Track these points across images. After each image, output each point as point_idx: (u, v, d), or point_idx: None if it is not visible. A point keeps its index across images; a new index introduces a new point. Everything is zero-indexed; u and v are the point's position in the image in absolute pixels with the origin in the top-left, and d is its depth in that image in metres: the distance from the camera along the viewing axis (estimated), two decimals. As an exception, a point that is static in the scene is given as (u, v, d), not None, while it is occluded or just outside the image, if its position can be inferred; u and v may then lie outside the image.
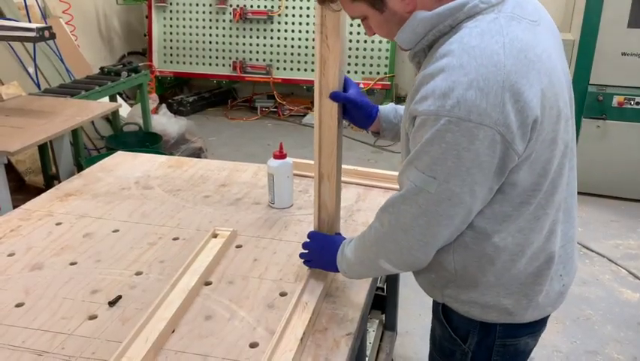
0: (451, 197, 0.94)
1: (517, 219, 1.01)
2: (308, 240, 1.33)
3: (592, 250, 3.11)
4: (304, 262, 1.33)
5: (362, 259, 1.15)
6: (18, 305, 1.24)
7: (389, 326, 2.19)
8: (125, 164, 2.04)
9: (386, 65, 4.95)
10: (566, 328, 2.50)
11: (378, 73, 4.97)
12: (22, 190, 3.47)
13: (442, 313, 1.18)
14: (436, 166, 0.92)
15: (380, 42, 4.91)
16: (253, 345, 1.12)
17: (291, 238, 1.53)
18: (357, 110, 1.28)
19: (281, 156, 1.67)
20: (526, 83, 0.90)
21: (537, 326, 1.16)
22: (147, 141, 3.81)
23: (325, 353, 1.11)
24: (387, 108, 1.36)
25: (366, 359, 1.58)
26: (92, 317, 1.20)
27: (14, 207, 1.89)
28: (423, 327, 2.45)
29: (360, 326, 1.22)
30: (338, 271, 1.23)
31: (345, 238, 1.27)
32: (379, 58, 4.95)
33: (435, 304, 1.22)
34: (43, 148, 3.28)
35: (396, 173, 1.20)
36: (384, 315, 2.19)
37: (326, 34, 1.14)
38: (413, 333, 2.45)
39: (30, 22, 3.77)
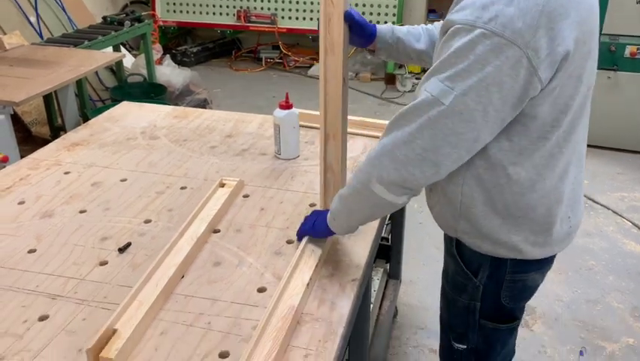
0: (463, 111, 0.94)
1: (533, 154, 1.03)
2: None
3: (597, 203, 3.12)
4: (298, 235, 1.30)
5: (350, 194, 1.12)
6: (30, 251, 1.26)
7: (393, 274, 2.23)
8: (131, 114, 2.04)
9: (394, 14, 4.84)
10: (568, 278, 2.54)
11: (386, 21, 4.87)
12: (29, 141, 3.48)
13: (456, 248, 1.22)
14: (457, 77, 0.92)
15: (388, -10, 4.79)
16: (261, 290, 1.14)
17: (297, 188, 1.54)
18: (356, 29, 1.25)
19: (287, 106, 1.66)
20: (564, 12, 0.91)
21: (545, 264, 1.21)
22: (152, 92, 3.79)
23: (331, 297, 1.13)
24: (384, 28, 1.35)
25: (371, 305, 1.61)
26: (103, 263, 1.23)
27: (22, 157, 1.90)
28: (426, 277, 2.49)
29: (365, 273, 1.24)
30: (331, 234, 1.23)
31: None
32: (387, 6, 4.84)
33: (448, 240, 1.26)
34: (48, 99, 3.27)
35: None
36: (388, 264, 2.22)
37: None
38: (417, 282, 2.50)
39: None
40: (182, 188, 1.54)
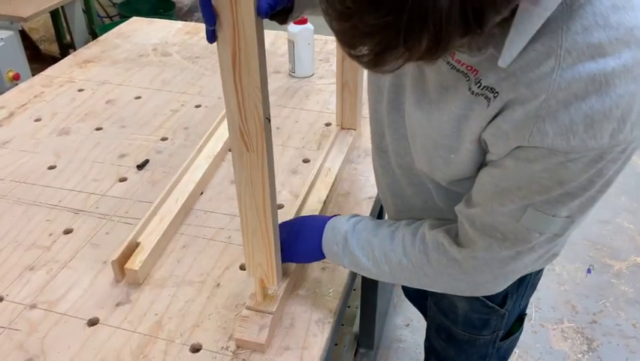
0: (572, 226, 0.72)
1: None
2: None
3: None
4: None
5: (398, 267, 0.84)
6: (50, 168, 1.28)
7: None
8: (141, 30, 1.99)
9: None
10: (579, 199, 2.55)
11: None
12: (38, 59, 3.44)
13: None
14: (583, 207, 0.68)
15: None
16: (279, 207, 1.16)
17: (312, 107, 1.53)
18: None
19: (301, 21, 1.60)
20: None
21: None
22: (160, 8, 3.68)
23: (347, 213, 1.15)
24: None
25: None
26: (122, 180, 1.25)
27: (32, 75, 1.88)
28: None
29: (382, 191, 1.25)
30: (319, 259, 0.92)
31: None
32: None
33: None
34: (55, 15, 3.19)
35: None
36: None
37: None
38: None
39: None
40: (196, 106, 1.54)
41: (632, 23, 0.57)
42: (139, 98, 1.57)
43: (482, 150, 0.70)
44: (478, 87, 0.65)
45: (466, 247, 0.76)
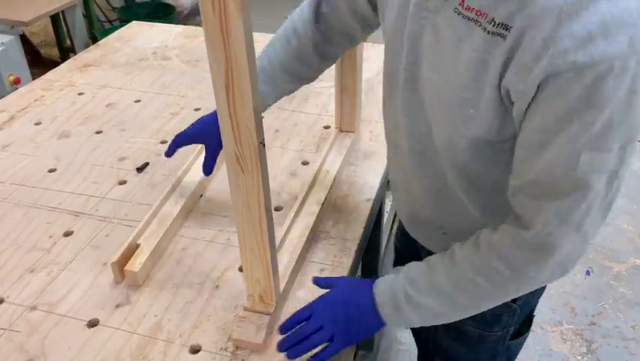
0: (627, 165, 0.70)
1: None
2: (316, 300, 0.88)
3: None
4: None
5: (460, 303, 0.81)
6: (51, 170, 1.29)
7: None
8: (142, 34, 2.00)
9: None
10: (578, 201, 2.55)
11: None
12: (39, 63, 3.45)
13: None
14: (629, 131, 0.66)
15: None
16: (277, 208, 1.17)
17: (311, 110, 1.53)
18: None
19: (301, 24, 1.61)
20: None
21: None
22: (160, 12, 3.70)
23: (345, 216, 1.15)
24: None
25: (383, 226, 1.64)
26: (122, 182, 1.25)
27: (32, 79, 1.89)
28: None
29: (379, 193, 1.26)
30: (377, 330, 0.86)
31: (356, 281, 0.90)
32: None
33: None
34: (56, 20, 3.20)
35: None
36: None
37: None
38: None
39: None
40: (196, 109, 1.54)
41: None
42: (139, 101, 1.58)
43: (503, 102, 0.71)
44: (493, 26, 0.67)
45: (535, 224, 0.72)
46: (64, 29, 3.26)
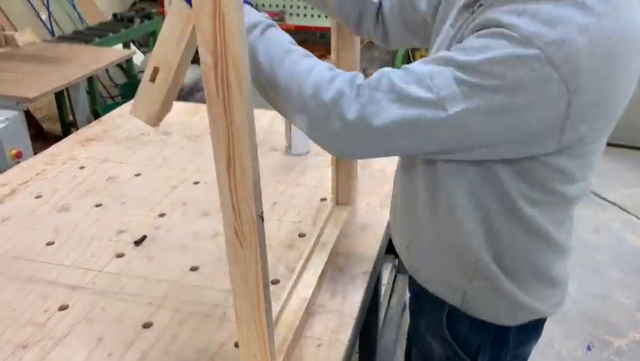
0: (462, 129, 0.76)
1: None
2: None
3: (604, 199, 3.13)
4: None
5: (276, 70, 0.82)
6: (49, 244, 1.30)
7: (402, 269, 2.25)
8: (144, 110, 2.06)
9: None
10: (575, 273, 2.54)
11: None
12: (41, 137, 3.52)
13: (447, 327, 0.98)
14: (479, 90, 0.71)
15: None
16: (274, 282, 1.17)
17: (308, 183, 1.56)
18: None
19: (298, 101, 1.68)
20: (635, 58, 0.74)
21: (544, 323, 1.04)
22: (162, 89, 3.81)
23: (342, 289, 1.16)
24: None
25: (381, 298, 1.63)
26: (120, 255, 1.26)
27: (34, 153, 1.93)
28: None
29: (376, 266, 1.26)
30: None
31: None
32: None
33: (435, 316, 1.00)
34: (60, 96, 3.30)
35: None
36: (397, 259, 2.25)
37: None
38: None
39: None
40: (195, 183, 1.57)
41: None
42: (139, 175, 1.61)
43: None
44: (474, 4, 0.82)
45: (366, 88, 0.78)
46: (68, 105, 3.35)
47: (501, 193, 0.84)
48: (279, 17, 5.12)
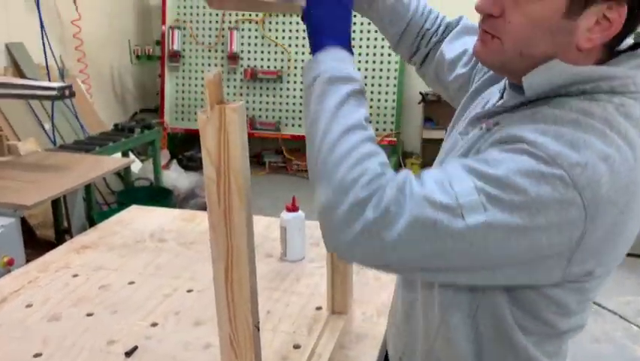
0: (475, 245, 0.73)
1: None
2: None
3: (604, 307, 3.09)
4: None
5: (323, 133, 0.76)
6: (36, 355, 1.26)
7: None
8: (140, 217, 2.09)
9: (392, 122, 5.06)
10: (579, 386, 2.46)
11: (384, 130, 5.08)
12: (33, 244, 3.51)
13: None
14: (500, 203, 0.69)
15: (386, 100, 5.04)
16: (269, 396, 1.13)
17: (303, 291, 1.55)
18: None
19: (293, 209, 1.71)
20: None
21: None
22: (158, 196, 3.87)
23: (340, 403, 1.11)
24: None
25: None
26: (109, 368, 1.22)
27: (26, 260, 1.93)
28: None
29: (374, 379, 1.22)
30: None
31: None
32: (385, 115, 5.07)
33: None
34: (56, 202, 3.33)
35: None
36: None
37: None
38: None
39: (50, 80, 3.92)
40: (188, 291, 1.56)
41: (624, 129, 0.72)
42: (132, 283, 1.59)
43: None
44: (493, 125, 0.83)
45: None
46: (63, 211, 3.37)
47: (495, 318, 0.82)
48: (274, 127, 5.32)
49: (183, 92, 5.53)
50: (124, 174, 4.08)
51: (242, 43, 5.31)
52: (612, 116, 0.73)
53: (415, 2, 1.14)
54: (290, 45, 5.19)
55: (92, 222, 3.32)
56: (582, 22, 0.74)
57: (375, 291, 1.53)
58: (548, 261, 0.72)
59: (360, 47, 5.00)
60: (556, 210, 0.68)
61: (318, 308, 1.46)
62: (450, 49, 1.12)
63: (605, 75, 0.75)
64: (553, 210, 0.68)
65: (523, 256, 0.71)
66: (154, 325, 1.38)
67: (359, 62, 4.99)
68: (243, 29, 5.31)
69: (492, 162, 0.71)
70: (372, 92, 5.04)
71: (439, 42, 1.15)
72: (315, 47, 0.81)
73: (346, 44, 0.81)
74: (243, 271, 0.72)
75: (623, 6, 0.72)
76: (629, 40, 0.81)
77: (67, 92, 2.64)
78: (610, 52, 0.79)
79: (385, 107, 5.05)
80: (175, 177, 4.25)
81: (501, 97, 0.89)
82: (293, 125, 5.31)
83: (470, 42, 1.07)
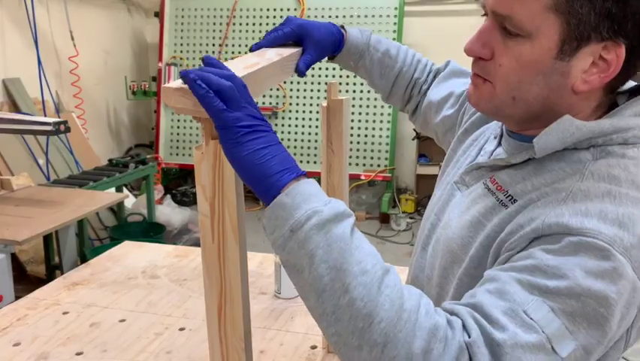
0: None
1: None
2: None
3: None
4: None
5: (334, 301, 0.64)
6: (22, 397, 1.22)
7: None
8: (132, 253, 2.06)
9: (386, 158, 5.09)
10: None
11: (379, 165, 5.10)
12: (23, 280, 3.46)
13: None
14: (584, 321, 0.62)
15: (380, 136, 5.07)
16: None
17: (297, 330, 1.53)
18: (316, 33, 0.98)
19: (288, 245, 1.69)
20: None
21: None
22: (151, 231, 3.85)
23: None
24: (352, 30, 1.10)
25: None
26: (97, 410, 1.18)
27: (16, 297, 1.89)
28: None
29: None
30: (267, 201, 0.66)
31: None
32: (379, 151, 5.10)
33: None
34: (47, 238, 3.30)
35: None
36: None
37: (330, 139, 1.17)
38: None
39: (45, 116, 3.94)
40: (180, 329, 1.53)
41: None
42: (123, 321, 1.56)
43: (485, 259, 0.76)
44: (504, 196, 0.77)
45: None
46: (55, 247, 3.34)
47: None
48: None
49: (178, 127, 5.56)
50: (117, 209, 4.06)
51: (237, 80, 5.36)
52: (637, 177, 0.70)
53: (402, 54, 1.15)
54: (285, 82, 5.25)
55: (83, 258, 3.28)
56: (576, 64, 0.70)
57: (371, 329, 1.51)
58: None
59: (355, 84, 5.07)
60: (630, 301, 0.65)
61: (313, 347, 1.43)
62: (436, 92, 1.13)
63: (618, 128, 0.72)
64: (629, 302, 0.65)
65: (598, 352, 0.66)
66: (144, 364, 1.35)
67: (353, 98, 5.05)
68: (238, 66, 5.36)
69: (549, 271, 0.63)
70: (366, 129, 5.09)
71: (430, 89, 1.17)
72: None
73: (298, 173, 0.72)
74: (236, 309, 0.70)
75: (621, 46, 0.68)
76: (631, 83, 0.78)
77: (62, 128, 2.65)
78: (612, 93, 0.77)
79: (380, 143, 5.08)
80: (168, 213, 4.23)
81: (499, 143, 0.88)
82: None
83: (457, 84, 1.09)
